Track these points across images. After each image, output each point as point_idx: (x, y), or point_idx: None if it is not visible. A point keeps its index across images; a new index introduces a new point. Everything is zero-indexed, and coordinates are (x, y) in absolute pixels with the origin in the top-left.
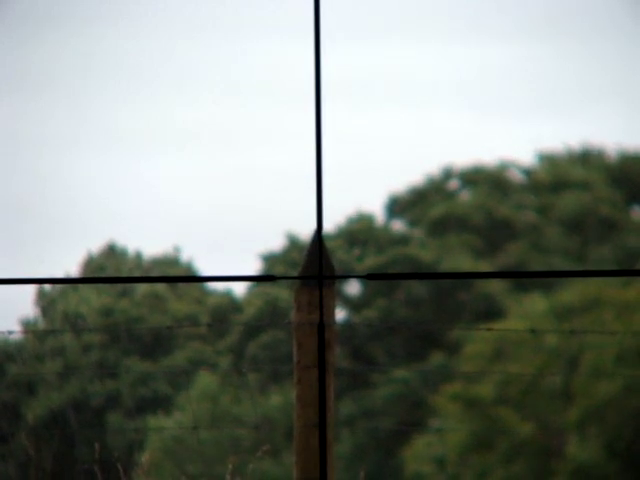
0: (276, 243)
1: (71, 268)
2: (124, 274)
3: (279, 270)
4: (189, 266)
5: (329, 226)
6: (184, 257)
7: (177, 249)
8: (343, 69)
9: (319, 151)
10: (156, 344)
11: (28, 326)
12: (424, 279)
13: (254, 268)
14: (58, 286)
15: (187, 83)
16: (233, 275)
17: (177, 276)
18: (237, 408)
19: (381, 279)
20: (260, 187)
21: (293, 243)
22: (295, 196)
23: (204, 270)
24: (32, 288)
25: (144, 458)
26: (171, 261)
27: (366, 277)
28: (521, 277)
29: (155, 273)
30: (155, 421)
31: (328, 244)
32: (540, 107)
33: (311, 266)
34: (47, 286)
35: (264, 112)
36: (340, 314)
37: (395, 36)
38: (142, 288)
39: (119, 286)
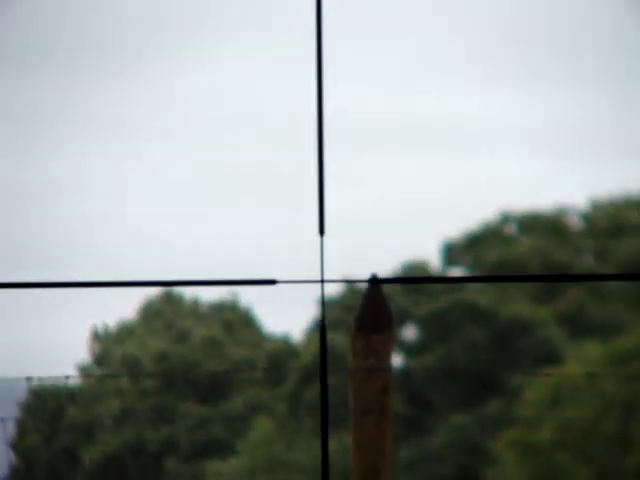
0: (332, 288)
1: (129, 313)
2: (181, 319)
3: (336, 315)
4: (247, 311)
5: (386, 271)
6: (242, 302)
7: (234, 294)
8: (396, 110)
9: (321, 159)
10: (212, 389)
11: (84, 371)
12: (433, 282)
13: (311, 313)
14: (114, 331)
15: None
16: (232, 279)
17: (168, 281)
18: (293, 453)
19: (384, 282)
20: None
21: (350, 288)
22: (350, 240)
23: (262, 314)
24: (87, 332)
25: None
26: (229, 306)
27: (370, 281)
28: (509, 281)
29: (213, 317)
30: (212, 466)
31: (386, 289)
32: (598, 151)
33: (367, 313)
34: (103, 330)
35: (299, 155)
36: (397, 359)
37: (445, 79)
38: (199, 332)
39: (176, 330)
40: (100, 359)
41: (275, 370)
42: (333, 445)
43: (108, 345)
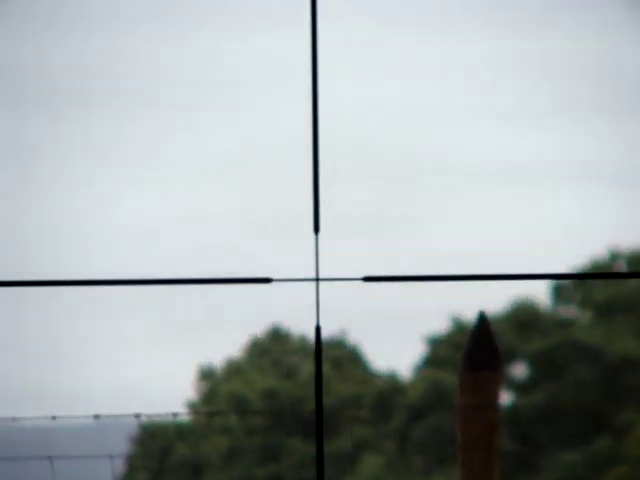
0: (441, 326)
1: (235, 351)
2: (288, 356)
3: (443, 353)
4: (355, 348)
5: (495, 309)
6: (350, 339)
7: (343, 331)
8: (495, 149)
9: (316, 156)
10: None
11: (192, 408)
12: (427, 281)
13: (419, 351)
14: (221, 368)
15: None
16: (227, 277)
17: (161, 279)
18: None
19: (377, 281)
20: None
21: (458, 326)
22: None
23: (370, 352)
24: (195, 370)
25: None
26: (336, 343)
27: (363, 279)
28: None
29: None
30: None
31: (494, 326)
32: None
33: (475, 350)
34: (210, 368)
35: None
36: (506, 397)
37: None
38: (306, 369)
39: (283, 367)
40: (208, 397)
41: (382, 407)
42: None
43: (215, 383)
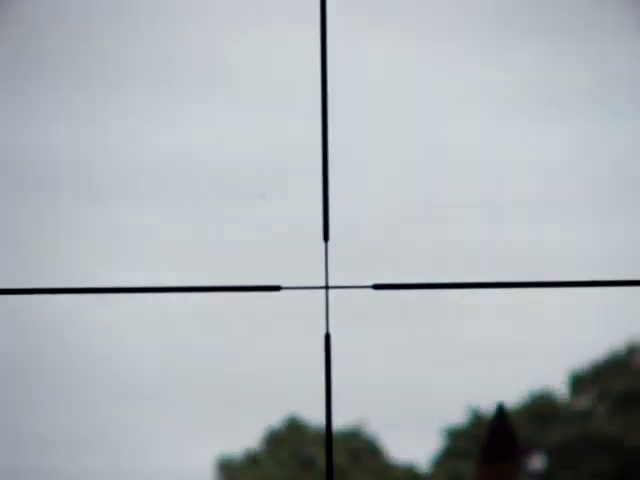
0: (458, 417)
1: (252, 441)
2: (306, 446)
3: (463, 444)
4: (373, 439)
5: (513, 401)
6: (367, 430)
7: (360, 422)
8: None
9: (325, 166)
10: None
11: None
12: (422, 288)
13: (436, 443)
14: (239, 459)
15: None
16: (237, 285)
17: (170, 287)
18: None
19: (387, 289)
20: (443, 362)
21: (476, 417)
22: (475, 369)
23: (387, 443)
24: (212, 460)
25: None
26: (354, 433)
27: (373, 287)
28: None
29: (338, 446)
30: None
31: (512, 417)
32: None
33: (494, 441)
34: (229, 459)
35: None
36: None
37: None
38: (324, 460)
39: (302, 458)
40: None
41: None
42: None
43: (234, 474)
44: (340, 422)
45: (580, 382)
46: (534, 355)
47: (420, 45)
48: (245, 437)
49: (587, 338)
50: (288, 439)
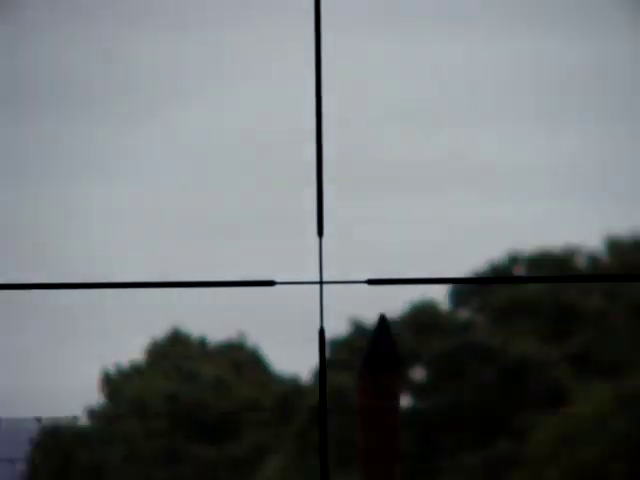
0: (339, 328)
1: (137, 354)
2: (189, 359)
3: (343, 356)
4: (254, 351)
5: (394, 312)
6: (250, 342)
7: (242, 334)
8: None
9: (320, 161)
10: (221, 429)
11: (93, 412)
12: (427, 284)
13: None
14: (122, 372)
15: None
16: (230, 281)
17: (165, 282)
18: None
19: (381, 284)
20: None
21: (357, 328)
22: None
23: (269, 355)
24: (97, 373)
25: None
26: (236, 346)
27: (367, 282)
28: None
29: (220, 358)
30: None
31: (393, 329)
32: (609, 192)
33: (375, 352)
34: (112, 371)
35: None
36: (405, 399)
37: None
38: (206, 373)
39: (183, 371)
40: (109, 400)
41: (282, 410)
42: None
43: (117, 386)
44: (222, 335)
45: (461, 293)
46: (415, 266)
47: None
48: (129, 350)
49: (469, 249)
50: (170, 352)
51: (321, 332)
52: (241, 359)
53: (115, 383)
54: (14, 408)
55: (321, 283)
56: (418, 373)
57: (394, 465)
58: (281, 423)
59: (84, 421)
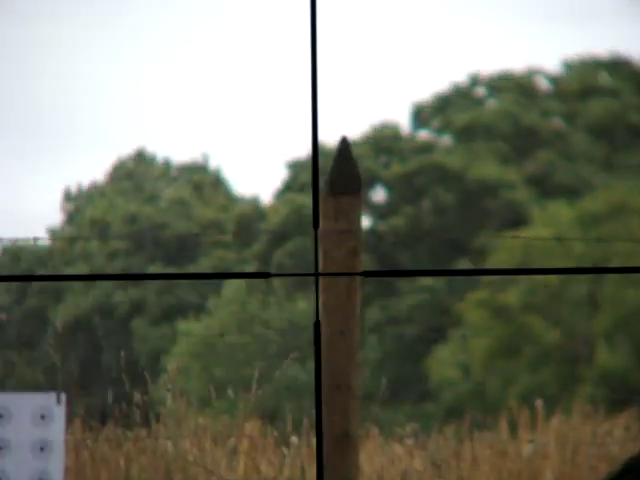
0: (302, 151)
1: (100, 175)
2: (151, 181)
3: (306, 178)
4: (217, 173)
5: (356, 134)
6: (212, 164)
7: (205, 156)
8: None
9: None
10: (181, 251)
11: (54, 233)
12: (411, 276)
13: (281, 176)
14: (84, 192)
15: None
16: (225, 272)
17: (164, 273)
18: (265, 313)
19: (376, 276)
20: (288, 93)
21: (320, 151)
22: (322, 102)
23: (231, 177)
24: (59, 194)
25: (171, 364)
26: (199, 168)
27: (362, 274)
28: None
29: (183, 180)
30: (183, 326)
31: (355, 151)
32: (569, 14)
33: (337, 175)
34: (74, 192)
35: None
36: (366, 221)
37: None
38: (168, 194)
39: (145, 192)
40: (70, 221)
41: (244, 232)
42: (302, 306)
43: (79, 207)
44: (186, 158)
45: (423, 114)
46: (377, 88)
47: None
48: (93, 170)
49: (431, 70)
50: (133, 172)
51: (316, 326)
52: (203, 181)
53: (77, 204)
54: None
55: (317, 275)
56: (379, 195)
57: (354, 288)
58: (242, 245)
59: (45, 242)
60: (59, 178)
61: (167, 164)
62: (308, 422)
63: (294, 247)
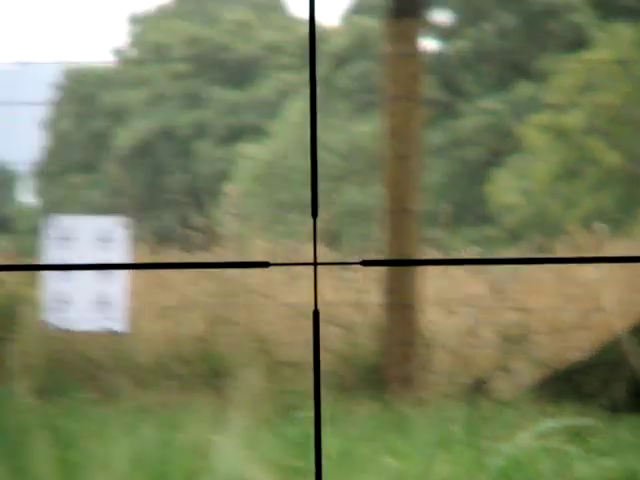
0: None
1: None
2: (212, 2)
3: (369, 0)
4: None
5: None
6: None
7: None
8: None
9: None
10: (244, 73)
11: (117, 55)
12: (410, 265)
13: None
14: (149, 15)
15: None
16: (227, 262)
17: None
18: (326, 136)
19: (375, 265)
20: None
21: None
22: None
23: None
24: (123, 16)
25: (232, 186)
26: None
27: (361, 263)
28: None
29: (243, 2)
30: (245, 149)
31: None
32: None
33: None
34: (138, 15)
35: None
36: (429, 44)
37: None
38: (229, 16)
39: (207, 15)
40: (133, 44)
41: (306, 54)
42: (365, 129)
43: (142, 29)
44: None
45: None
46: None
47: None
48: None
49: None
50: None
51: (315, 315)
52: (264, 3)
53: (141, 26)
54: (38, 52)
55: (315, 264)
56: (442, 17)
57: (416, 111)
58: (304, 67)
59: (108, 65)
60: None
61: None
62: (369, 246)
63: (358, 70)
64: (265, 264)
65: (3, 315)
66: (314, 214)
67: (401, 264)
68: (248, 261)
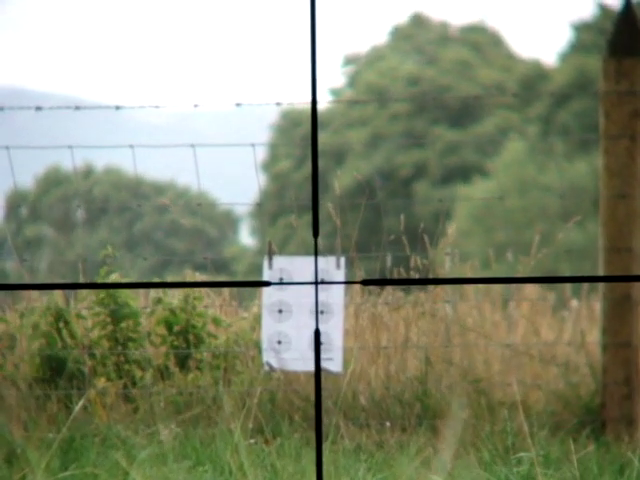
0: (586, 12)
1: (379, 38)
2: (430, 43)
3: (588, 38)
4: (496, 34)
5: None
6: (489, 25)
7: (482, 17)
8: None
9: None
10: (464, 112)
11: (335, 95)
12: (425, 284)
13: (565, 37)
14: (364, 55)
15: None
16: (228, 281)
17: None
18: (544, 176)
19: (375, 284)
20: None
21: (603, 11)
22: None
23: (509, 39)
24: (339, 57)
25: (451, 227)
26: (477, 28)
27: (362, 283)
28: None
29: (461, 41)
30: (462, 189)
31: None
32: None
33: (619, 36)
34: (353, 56)
35: None
36: None
37: None
38: (448, 56)
39: (426, 54)
40: (351, 84)
41: (527, 93)
42: (583, 168)
43: (359, 69)
44: (462, 21)
45: None
46: None
47: None
48: (370, 33)
49: None
50: (412, 34)
51: (316, 334)
52: (483, 42)
53: (357, 67)
54: (256, 93)
55: (316, 284)
56: None
57: (636, 150)
58: (525, 106)
59: (325, 105)
60: (338, 41)
61: (444, 26)
62: (588, 285)
63: (579, 107)
64: (266, 283)
65: (224, 356)
66: (315, 234)
67: (401, 283)
68: (251, 281)
